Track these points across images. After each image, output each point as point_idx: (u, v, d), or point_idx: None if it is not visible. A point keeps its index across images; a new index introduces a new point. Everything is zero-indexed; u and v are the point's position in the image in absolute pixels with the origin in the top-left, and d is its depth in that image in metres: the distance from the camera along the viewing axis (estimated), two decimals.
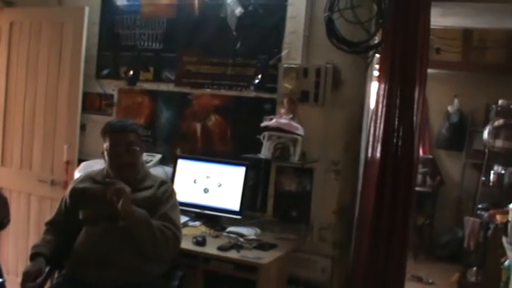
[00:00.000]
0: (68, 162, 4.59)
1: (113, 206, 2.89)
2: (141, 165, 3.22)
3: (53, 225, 3.23)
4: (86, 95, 4.72)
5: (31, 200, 4.87)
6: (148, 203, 3.06)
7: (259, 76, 4.09)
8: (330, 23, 3.69)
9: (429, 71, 3.83)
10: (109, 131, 3.09)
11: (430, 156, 7.85)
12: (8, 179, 4.98)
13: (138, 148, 3.12)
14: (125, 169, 3.07)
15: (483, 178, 6.85)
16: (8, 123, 5.00)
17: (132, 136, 3.10)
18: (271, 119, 3.83)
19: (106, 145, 3.07)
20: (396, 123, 3.72)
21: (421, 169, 7.27)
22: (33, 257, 2.99)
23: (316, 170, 3.93)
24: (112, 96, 4.71)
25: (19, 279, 2.89)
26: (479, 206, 6.42)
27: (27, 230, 4.84)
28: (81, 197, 3.16)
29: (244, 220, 3.91)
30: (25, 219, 4.87)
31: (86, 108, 4.73)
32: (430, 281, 6.44)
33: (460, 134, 7.78)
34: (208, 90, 4.29)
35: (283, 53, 4.02)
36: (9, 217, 2.05)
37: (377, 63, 3.93)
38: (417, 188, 6.11)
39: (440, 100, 7.64)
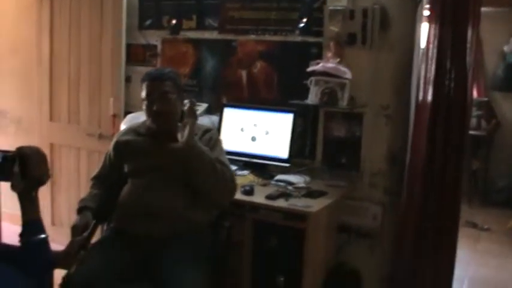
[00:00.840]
0: (114, 115, 4.60)
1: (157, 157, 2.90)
2: (181, 114, 3.14)
3: (98, 180, 3.25)
4: (129, 46, 4.69)
5: (80, 154, 4.92)
6: None
7: (304, 20, 3.98)
8: None
9: (483, 9, 3.64)
10: (146, 79, 3.06)
11: (485, 99, 7.60)
12: (58, 134, 5.06)
13: (174, 96, 3.03)
14: (160, 118, 3.01)
15: None
16: (55, 79, 5.03)
17: (168, 84, 3.03)
18: (318, 64, 3.72)
19: (143, 94, 3.04)
20: (448, 64, 3.55)
21: (475, 112, 7.05)
22: (80, 210, 3.02)
23: (366, 115, 3.83)
24: (155, 46, 4.66)
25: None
26: None
27: (77, 183, 4.91)
28: (125, 150, 3.15)
29: (292, 168, 3.86)
30: (75, 172, 4.95)
31: (130, 60, 4.71)
32: (486, 227, 6.32)
33: None
34: (252, 36, 4.20)
35: None
36: (49, 173, 2.03)
37: (427, 2, 3.75)
38: (472, 132, 5.95)
39: (495, 40, 7.35)
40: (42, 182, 2.01)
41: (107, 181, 3.21)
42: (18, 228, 2.02)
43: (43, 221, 2.04)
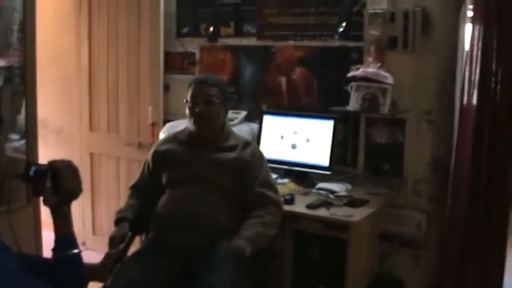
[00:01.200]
0: (153, 124, 4.60)
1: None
2: (222, 123, 3.13)
3: (136, 189, 3.25)
4: (167, 54, 4.68)
5: (120, 164, 4.93)
6: (235, 165, 3.05)
7: (344, 24, 3.90)
8: None
9: None
10: (193, 83, 3.11)
11: None
12: (97, 144, 5.08)
13: (217, 101, 3.05)
14: (202, 120, 3.04)
15: None
16: (94, 89, 5.06)
17: (214, 89, 3.07)
18: (358, 69, 3.64)
19: (188, 96, 3.07)
20: (494, 66, 3.44)
21: None
22: (118, 221, 3.02)
23: (408, 120, 3.73)
24: (194, 54, 4.64)
25: None
26: None
27: (117, 192, 4.91)
28: (164, 159, 3.15)
29: (334, 176, 3.79)
30: (115, 182, 4.96)
31: (168, 68, 4.69)
32: None
33: None
34: (291, 42, 4.14)
35: None
36: (81, 187, 2.00)
37: (470, 3, 3.65)
38: None
39: None
40: (74, 196, 1.98)
41: (144, 191, 3.21)
42: None
43: (76, 236, 2.01)
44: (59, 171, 1.94)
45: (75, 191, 2.00)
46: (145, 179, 3.24)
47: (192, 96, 3.05)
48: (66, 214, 2.00)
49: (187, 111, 3.08)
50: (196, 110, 3.01)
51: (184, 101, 3.09)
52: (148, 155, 3.26)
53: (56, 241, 1.97)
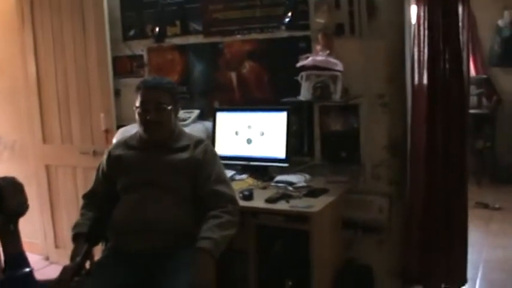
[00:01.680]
0: (106, 131, 4.54)
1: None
2: (174, 125, 3.07)
3: (90, 198, 3.16)
4: (115, 59, 4.62)
5: (77, 173, 4.87)
6: (188, 165, 2.98)
7: (289, 14, 3.88)
8: None
9: None
10: (141, 87, 3.01)
11: (484, 76, 7.49)
12: (52, 156, 5.02)
13: (169, 107, 2.98)
14: (151, 127, 2.96)
15: None
16: (44, 100, 4.98)
17: (164, 94, 2.98)
18: (307, 58, 3.61)
19: (137, 102, 2.98)
20: (441, 45, 3.46)
21: (475, 90, 6.94)
22: (75, 237, 2.93)
23: (362, 106, 3.72)
24: (142, 56, 4.58)
25: None
26: None
27: (77, 203, 4.73)
28: (117, 164, 3.08)
29: (292, 167, 3.76)
30: (74, 192, 4.88)
31: (117, 73, 4.63)
32: (497, 206, 6.21)
33: None
34: (238, 36, 4.11)
35: None
36: (27, 203, 1.93)
37: None
38: (473, 111, 5.86)
39: (489, 15, 7.24)
40: (20, 214, 1.92)
41: (99, 198, 3.12)
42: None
43: (26, 254, 1.95)
44: (2, 189, 1.88)
45: (21, 208, 1.94)
46: (99, 185, 3.15)
47: (142, 103, 2.95)
48: (14, 233, 1.94)
49: (137, 116, 2.98)
50: (147, 117, 2.92)
51: (134, 107, 3.00)
52: (102, 160, 3.18)
53: (6, 261, 1.91)
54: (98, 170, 3.20)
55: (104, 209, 3.02)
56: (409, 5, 3.72)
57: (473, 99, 6.60)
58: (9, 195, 1.87)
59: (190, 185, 2.97)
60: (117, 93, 4.63)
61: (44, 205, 5.02)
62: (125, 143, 3.16)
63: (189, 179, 2.96)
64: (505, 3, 7.22)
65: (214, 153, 3.14)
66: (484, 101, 7.34)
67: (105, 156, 3.18)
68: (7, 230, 1.89)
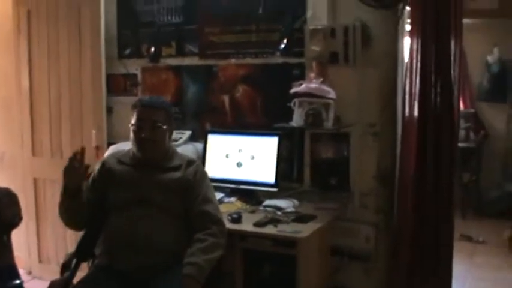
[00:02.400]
0: (97, 147, 4.53)
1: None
2: (167, 145, 3.09)
3: None
4: (109, 76, 4.63)
5: None
6: (180, 185, 2.99)
7: (285, 41, 3.94)
8: None
9: (465, 20, 3.61)
10: (138, 105, 3.03)
11: (472, 110, 7.57)
12: (41, 169, 4.96)
13: (164, 127, 3.00)
14: (146, 145, 2.97)
15: None
16: (36, 112, 4.95)
17: (160, 114, 3.01)
18: (301, 85, 3.66)
19: (133, 119, 3.00)
20: (433, 78, 3.50)
21: (463, 124, 7.00)
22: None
23: (353, 134, 3.76)
24: (136, 75, 4.60)
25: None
26: None
27: None
28: (109, 177, 3.06)
29: (281, 192, 3.78)
30: None
31: (110, 91, 4.65)
32: (481, 239, 6.23)
33: (502, 84, 7.46)
34: (233, 60, 4.15)
35: (308, 14, 3.85)
36: (21, 215, 1.93)
37: (408, 17, 3.72)
38: (460, 144, 5.88)
39: (479, 50, 7.33)
40: (13, 225, 1.92)
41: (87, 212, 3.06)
42: None
43: (17, 266, 1.95)
44: None
45: (15, 219, 1.95)
46: (87, 192, 3.04)
47: (138, 121, 2.97)
48: (7, 244, 1.94)
49: (131, 134, 3.00)
50: (142, 135, 2.94)
51: (130, 124, 3.01)
52: (94, 169, 3.13)
53: None
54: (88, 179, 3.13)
55: (93, 224, 3.01)
56: (403, 37, 3.78)
57: (461, 133, 6.64)
58: (4, 206, 1.88)
59: (182, 205, 2.98)
60: (109, 110, 4.64)
61: (30, 219, 4.97)
62: (116, 158, 3.15)
63: (180, 199, 2.97)
64: (494, 40, 7.32)
65: (205, 174, 3.16)
66: (472, 135, 7.40)
67: (97, 166, 3.16)
68: (0, 241, 1.89)
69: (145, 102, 3.05)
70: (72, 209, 2.94)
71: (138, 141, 2.97)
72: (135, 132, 2.98)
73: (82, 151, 2.83)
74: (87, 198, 3.02)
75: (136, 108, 3.01)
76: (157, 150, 3.01)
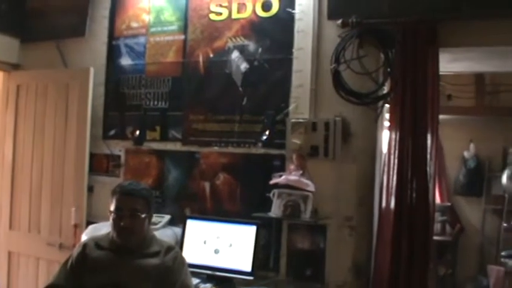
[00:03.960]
0: (76, 225, 4.51)
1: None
2: (146, 231, 3.09)
3: None
4: (93, 156, 4.68)
5: (39, 264, 4.78)
6: (158, 271, 2.96)
7: (267, 132, 4.04)
8: (336, 75, 3.70)
9: (442, 117, 3.76)
10: (118, 192, 2.99)
11: (448, 204, 7.66)
12: (17, 243, 4.94)
13: (143, 215, 2.98)
14: (125, 234, 2.95)
15: (505, 224, 6.67)
16: (16, 185, 4.97)
17: (140, 202, 2.98)
18: (281, 176, 3.74)
19: (112, 206, 2.97)
20: (409, 173, 3.60)
21: (439, 217, 7.09)
22: None
23: (330, 227, 3.82)
24: (119, 157, 4.66)
25: None
26: (503, 254, 6.26)
27: None
28: (87, 264, 3.02)
29: (257, 281, 3.77)
30: (34, 283, 4.77)
31: (93, 169, 4.68)
32: None
33: (478, 179, 7.59)
34: (215, 148, 4.23)
35: (291, 107, 3.97)
36: None
37: (387, 113, 3.84)
38: (436, 237, 5.95)
39: (456, 146, 7.50)
40: None
41: None
42: None
43: None
44: None
45: None
46: (63, 279, 3.01)
47: (117, 209, 2.94)
48: None
49: (110, 221, 2.97)
50: (121, 224, 2.91)
51: (109, 212, 2.98)
52: (72, 254, 3.08)
53: None
54: (65, 263, 3.08)
55: None
56: (382, 131, 3.88)
57: (437, 226, 6.73)
58: None
59: None
60: (90, 189, 4.66)
61: None
62: (94, 243, 3.13)
63: (157, 285, 2.96)
64: (471, 135, 7.51)
65: (183, 261, 3.13)
66: (448, 228, 7.47)
67: (78, 250, 3.09)
68: None
69: (125, 191, 3.00)
70: None
71: (117, 229, 2.94)
72: (114, 220, 2.95)
73: None
74: (62, 284, 3.00)
75: (116, 196, 2.98)
76: (136, 237, 2.99)
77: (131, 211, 2.94)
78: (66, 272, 3.05)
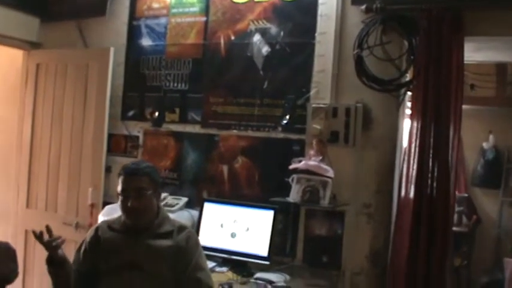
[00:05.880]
0: (92, 205, 4.53)
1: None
2: (156, 209, 3.06)
3: None
4: (111, 136, 4.68)
5: None
6: (172, 252, 2.94)
7: (287, 116, 4.02)
8: (359, 61, 3.65)
9: (463, 107, 3.68)
10: (122, 173, 2.97)
11: (466, 195, 7.59)
12: (33, 221, 4.89)
13: (149, 192, 2.95)
14: (134, 214, 2.92)
15: None
16: (34, 164, 4.99)
17: (144, 180, 2.94)
18: (300, 161, 3.72)
19: (119, 188, 2.95)
20: (430, 162, 3.56)
21: (456, 208, 7.00)
22: None
23: (347, 213, 3.79)
24: (137, 137, 4.65)
25: None
26: None
27: None
28: (100, 248, 3.02)
29: (272, 266, 3.77)
30: None
31: (111, 150, 4.69)
32: None
33: (496, 171, 7.50)
34: (235, 131, 4.21)
35: (312, 92, 3.94)
36: (18, 270, 1.92)
37: (409, 101, 3.80)
38: (453, 228, 5.89)
39: (475, 136, 7.41)
40: (8, 281, 1.91)
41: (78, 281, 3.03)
42: None
43: None
44: None
45: (9, 276, 1.93)
46: (78, 265, 3.03)
47: (123, 191, 2.92)
48: None
49: (119, 203, 2.95)
50: (128, 204, 2.89)
51: (116, 194, 2.97)
52: (85, 239, 3.09)
53: None
54: (79, 249, 3.09)
55: None
56: (403, 120, 3.85)
57: (454, 217, 6.67)
58: (2, 261, 1.87)
59: (173, 272, 2.95)
60: (108, 169, 4.66)
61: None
62: (107, 226, 3.12)
63: (171, 266, 2.94)
64: (491, 127, 7.42)
65: (197, 241, 3.10)
66: (464, 219, 7.41)
67: (91, 233, 3.09)
68: None
69: (128, 171, 2.97)
70: (58, 279, 2.92)
71: (126, 210, 2.93)
72: (122, 201, 2.93)
73: (48, 229, 2.83)
74: (78, 270, 3.00)
75: (121, 177, 2.96)
76: (146, 216, 2.96)
77: (137, 191, 2.90)
78: (80, 257, 3.06)
